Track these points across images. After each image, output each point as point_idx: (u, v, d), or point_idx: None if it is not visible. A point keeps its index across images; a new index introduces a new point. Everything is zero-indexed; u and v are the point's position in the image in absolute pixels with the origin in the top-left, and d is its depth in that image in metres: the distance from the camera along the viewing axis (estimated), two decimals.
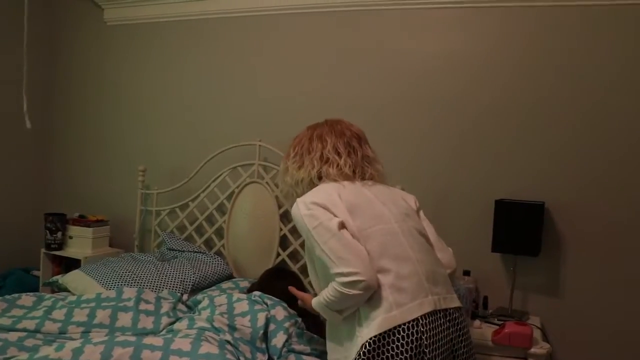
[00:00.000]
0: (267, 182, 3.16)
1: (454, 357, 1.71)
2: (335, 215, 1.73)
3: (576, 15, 2.66)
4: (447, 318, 1.71)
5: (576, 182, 2.66)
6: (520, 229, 2.57)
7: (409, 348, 1.59)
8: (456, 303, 1.78)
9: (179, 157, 3.57)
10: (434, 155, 2.90)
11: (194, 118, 3.54)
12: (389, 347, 1.59)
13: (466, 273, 2.60)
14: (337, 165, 1.91)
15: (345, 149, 1.95)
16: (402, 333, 1.60)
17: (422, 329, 1.62)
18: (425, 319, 1.64)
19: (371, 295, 1.65)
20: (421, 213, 1.98)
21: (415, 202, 1.99)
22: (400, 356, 1.58)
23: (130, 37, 3.74)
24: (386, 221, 1.79)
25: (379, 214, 1.80)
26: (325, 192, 1.82)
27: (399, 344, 1.59)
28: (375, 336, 1.60)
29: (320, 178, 1.93)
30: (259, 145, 3.18)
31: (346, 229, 1.71)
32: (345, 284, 1.61)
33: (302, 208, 1.78)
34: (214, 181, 3.32)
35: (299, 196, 1.88)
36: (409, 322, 1.62)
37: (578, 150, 2.66)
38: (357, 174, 1.92)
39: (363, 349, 1.60)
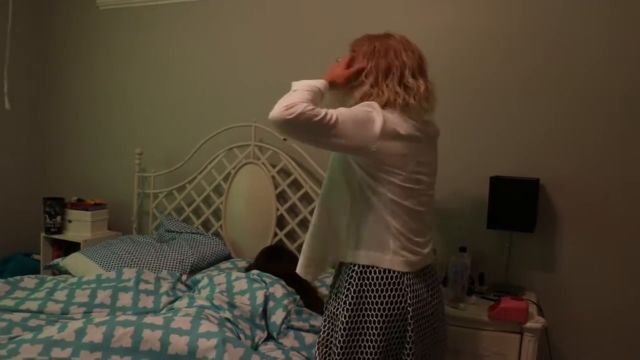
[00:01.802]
0: (263, 163, 3.17)
1: (432, 317, 1.80)
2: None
3: None
4: (426, 275, 1.83)
5: (571, 158, 2.67)
6: (515, 205, 2.59)
7: (398, 300, 1.69)
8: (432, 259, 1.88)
9: (175, 139, 3.58)
10: None
11: (190, 100, 3.54)
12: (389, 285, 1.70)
13: (462, 249, 2.62)
14: (415, 97, 1.73)
15: (422, 74, 1.80)
16: (400, 282, 1.70)
17: (408, 286, 1.71)
18: (415, 277, 1.75)
19: (396, 228, 1.70)
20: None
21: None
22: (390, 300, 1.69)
23: (123, 20, 3.72)
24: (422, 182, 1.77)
25: (417, 177, 1.75)
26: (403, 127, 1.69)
27: (394, 287, 1.70)
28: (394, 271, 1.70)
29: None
30: (255, 126, 3.19)
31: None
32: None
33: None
34: (210, 163, 3.33)
35: None
36: (408, 273, 1.72)
37: (573, 126, 2.66)
38: (428, 109, 1.79)
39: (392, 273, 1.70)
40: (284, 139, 3.08)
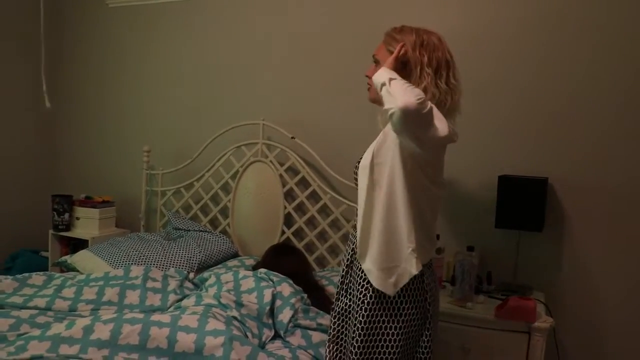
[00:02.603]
0: (270, 161, 3.17)
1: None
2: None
3: None
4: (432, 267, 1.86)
5: (579, 156, 2.65)
6: (523, 204, 2.57)
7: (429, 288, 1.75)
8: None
9: (183, 137, 3.59)
10: None
11: (198, 98, 3.55)
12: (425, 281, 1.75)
13: (470, 249, 2.61)
14: (458, 100, 1.80)
15: (456, 77, 1.80)
16: (421, 281, 1.73)
17: (427, 285, 1.75)
18: (428, 269, 1.78)
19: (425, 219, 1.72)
20: None
21: None
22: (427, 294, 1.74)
23: (132, 18, 3.73)
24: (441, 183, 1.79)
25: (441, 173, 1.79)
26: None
27: (416, 286, 1.73)
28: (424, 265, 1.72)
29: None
30: (263, 124, 3.19)
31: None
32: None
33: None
34: (218, 160, 3.33)
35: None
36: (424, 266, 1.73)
37: (581, 125, 2.64)
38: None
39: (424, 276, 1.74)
40: (292, 137, 3.09)
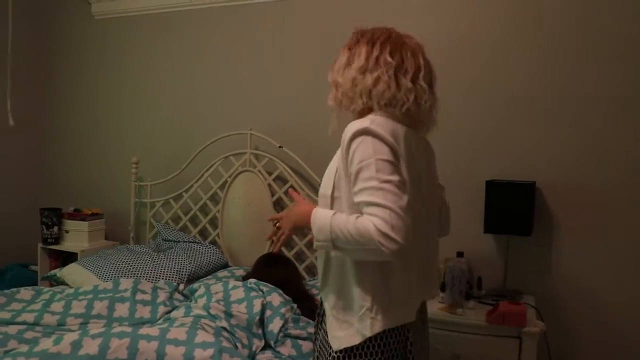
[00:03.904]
0: (259, 171, 3.16)
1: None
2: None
3: None
4: (422, 315, 1.64)
5: (567, 160, 2.66)
6: (512, 209, 2.58)
7: (399, 353, 1.50)
8: (434, 294, 1.78)
9: (171, 148, 3.58)
10: None
11: (186, 108, 3.54)
12: (388, 345, 1.47)
13: (459, 254, 2.62)
14: (428, 104, 1.51)
15: (432, 85, 1.56)
16: (400, 334, 1.50)
17: (410, 334, 1.52)
18: (414, 324, 1.55)
19: (396, 275, 1.46)
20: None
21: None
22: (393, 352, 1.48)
23: (119, 30, 3.73)
24: (422, 200, 1.52)
25: (420, 191, 1.52)
26: (398, 136, 1.44)
27: (395, 346, 1.49)
28: (389, 330, 1.46)
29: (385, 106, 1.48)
30: (250, 134, 3.19)
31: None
32: (385, 234, 1.29)
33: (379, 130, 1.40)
34: (206, 171, 3.33)
35: (357, 110, 1.53)
36: (408, 325, 1.51)
37: (568, 128, 2.66)
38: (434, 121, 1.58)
39: (379, 341, 1.45)
40: (280, 147, 3.09)
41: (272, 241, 1.71)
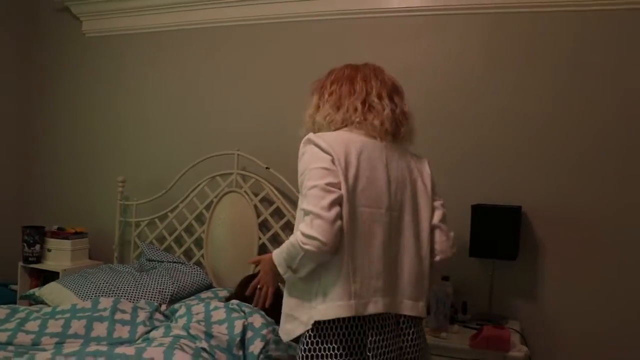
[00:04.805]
0: (245, 191, 3.15)
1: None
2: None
3: (541, 18, 2.69)
4: (400, 325, 1.70)
5: (552, 184, 2.67)
6: (497, 233, 2.58)
7: (350, 345, 1.60)
8: (413, 312, 1.71)
9: (158, 167, 3.56)
10: None
11: (173, 128, 3.54)
12: (333, 336, 1.60)
13: (445, 278, 2.60)
14: (379, 117, 1.73)
15: (390, 99, 1.77)
16: (350, 327, 1.61)
17: (369, 330, 1.62)
18: (375, 321, 1.64)
19: (336, 272, 1.59)
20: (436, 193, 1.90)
21: (431, 179, 1.87)
22: (340, 350, 1.59)
23: (109, 48, 3.74)
24: (380, 205, 1.67)
25: (378, 194, 1.66)
26: (349, 145, 1.67)
27: (343, 338, 1.60)
28: (327, 322, 1.60)
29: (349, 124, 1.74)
30: (237, 154, 3.18)
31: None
32: (307, 235, 1.53)
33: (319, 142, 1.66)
34: (192, 191, 3.31)
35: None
36: (360, 317, 1.61)
37: (553, 153, 2.67)
38: (390, 132, 1.75)
39: (316, 327, 1.61)
40: (267, 168, 3.08)
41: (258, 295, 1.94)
